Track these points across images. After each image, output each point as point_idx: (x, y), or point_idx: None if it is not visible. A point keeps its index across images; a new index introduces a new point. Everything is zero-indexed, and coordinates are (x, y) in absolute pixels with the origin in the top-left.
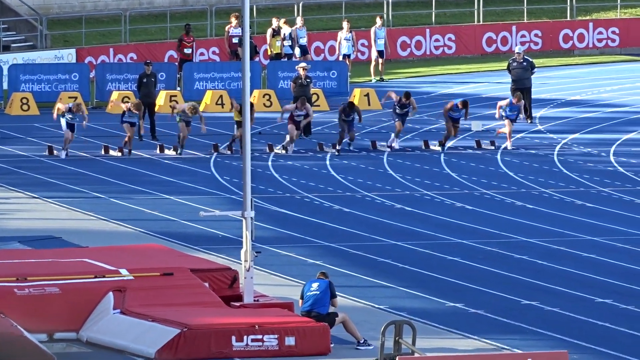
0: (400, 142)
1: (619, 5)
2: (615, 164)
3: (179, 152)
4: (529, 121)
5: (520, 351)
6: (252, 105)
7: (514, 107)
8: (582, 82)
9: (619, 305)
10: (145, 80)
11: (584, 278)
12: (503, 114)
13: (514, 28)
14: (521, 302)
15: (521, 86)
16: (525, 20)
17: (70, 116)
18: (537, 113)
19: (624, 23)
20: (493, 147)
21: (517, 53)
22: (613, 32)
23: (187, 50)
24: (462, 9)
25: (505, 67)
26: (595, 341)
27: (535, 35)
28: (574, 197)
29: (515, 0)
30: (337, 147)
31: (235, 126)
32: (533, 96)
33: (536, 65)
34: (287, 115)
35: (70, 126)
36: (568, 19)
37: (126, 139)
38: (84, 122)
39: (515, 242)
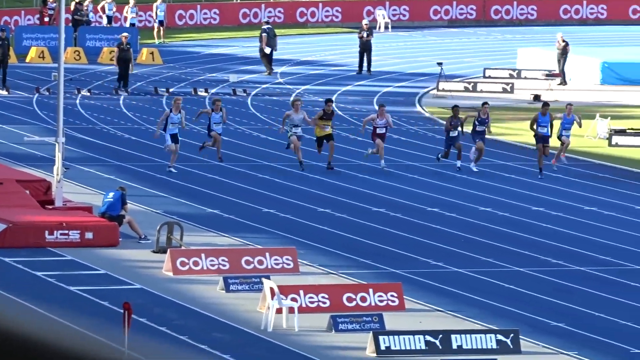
0: (179, 88)
1: None
2: (337, 110)
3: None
4: (269, 74)
5: (260, 246)
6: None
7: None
8: (313, 47)
9: (334, 214)
10: (0, 43)
11: (311, 193)
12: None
13: (263, 6)
14: (262, 210)
15: (269, 46)
16: (271, 0)
17: (173, 120)
18: (278, 69)
19: (345, 4)
20: (245, 94)
21: (264, 23)
22: (337, 11)
23: (46, 19)
24: None
25: (257, 35)
26: (315, 240)
27: (279, 11)
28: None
29: None
30: (457, 162)
31: (317, 143)
32: (274, 57)
33: (277, 34)
34: (369, 126)
35: (174, 138)
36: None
37: None
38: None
39: (259, 165)
